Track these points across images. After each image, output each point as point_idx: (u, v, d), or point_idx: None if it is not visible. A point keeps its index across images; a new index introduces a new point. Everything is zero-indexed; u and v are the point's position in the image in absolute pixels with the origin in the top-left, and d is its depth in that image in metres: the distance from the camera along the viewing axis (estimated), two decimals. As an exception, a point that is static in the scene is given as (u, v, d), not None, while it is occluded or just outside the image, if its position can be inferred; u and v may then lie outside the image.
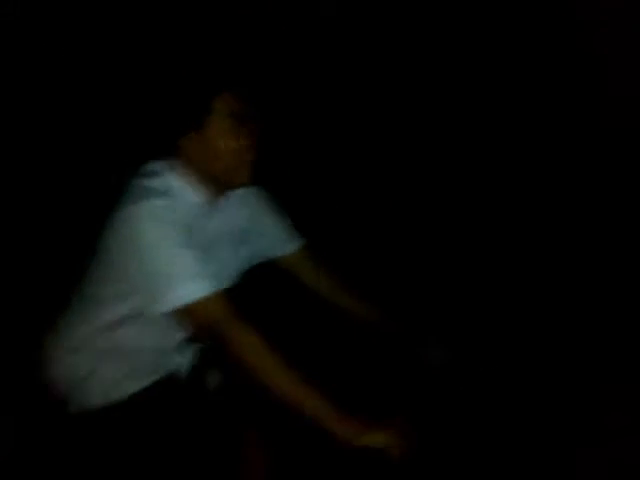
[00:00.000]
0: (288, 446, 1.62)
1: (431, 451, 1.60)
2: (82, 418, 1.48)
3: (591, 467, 1.70)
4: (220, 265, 1.49)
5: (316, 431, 1.31)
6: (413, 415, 1.35)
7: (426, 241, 2.44)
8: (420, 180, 2.50)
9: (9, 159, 2.37)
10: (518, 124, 2.37)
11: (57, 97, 2.42)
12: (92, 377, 1.48)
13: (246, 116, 1.44)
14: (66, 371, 1.50)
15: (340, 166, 2.51)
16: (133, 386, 1.49)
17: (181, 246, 1.35)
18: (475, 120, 2.43)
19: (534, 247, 2.33)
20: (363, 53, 2.48)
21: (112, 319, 1.45)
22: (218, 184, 1.47)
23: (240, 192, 1.56)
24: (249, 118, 1.45)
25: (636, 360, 1.91)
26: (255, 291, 1.69)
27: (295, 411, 1.30)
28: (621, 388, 1.81)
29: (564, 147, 2.32)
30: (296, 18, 2.42)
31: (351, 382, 1.76)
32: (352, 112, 2.51)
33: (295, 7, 2.41)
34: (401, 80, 2.49)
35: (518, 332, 2.15)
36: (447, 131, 2.46)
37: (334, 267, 1.68)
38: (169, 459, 1.45)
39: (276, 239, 1.67)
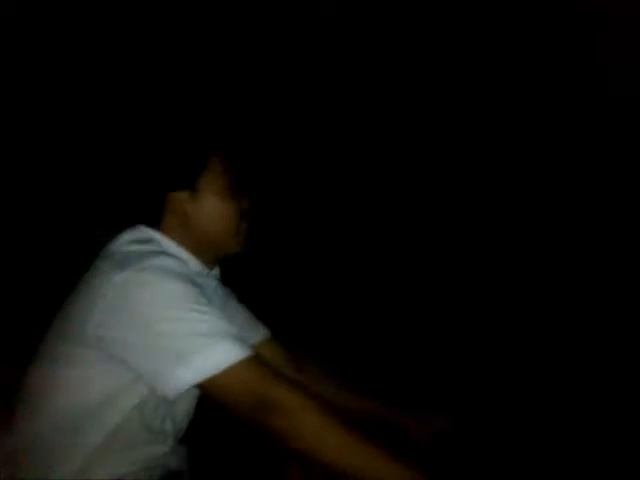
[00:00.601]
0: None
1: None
2: None
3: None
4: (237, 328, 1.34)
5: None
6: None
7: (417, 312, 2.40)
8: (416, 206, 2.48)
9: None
10: (518, 128, 2.35)
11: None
12: None
13: (242, 185, 1.37)
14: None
15: (335, 168, 2.49)
16: None
17: (205, 304, 1.21)
18: (474, 123, 2.41)
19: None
20: (363, 53, 2.44)
21: (98, 406, 1.23)
22: (208, 252, 1.38)
23: (214, 272, 1.47)
24: (245, 188, 1.38)
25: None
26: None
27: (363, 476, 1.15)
28: (626, 452, 1.82)
29: (564, 148, 2.30)
30: (296, 18, 2.37)
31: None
32: (352, 114, 2.48)
33: (295, 7, 2.36)
34: (401, 81, 2.46)
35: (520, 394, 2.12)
36: (447, 135, 2.43)
37: (309, 356, 1.59)
38: None
39: (244, 325, 1.54)
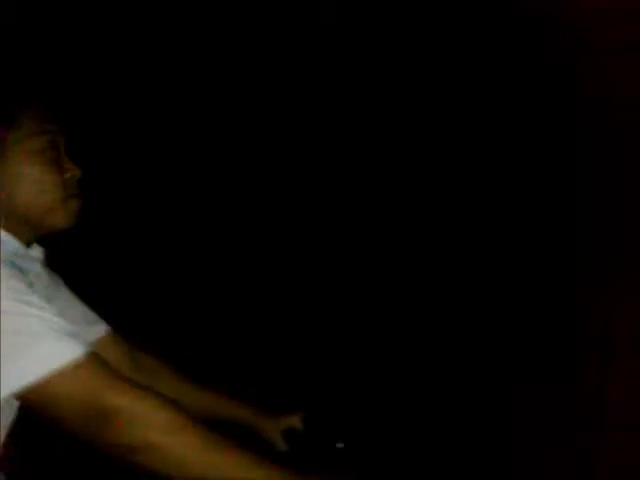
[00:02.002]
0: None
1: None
2: None
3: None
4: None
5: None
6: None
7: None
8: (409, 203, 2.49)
9: None
10: (518, 134, 2.35)
11: None
12: None
13: (55, 136, 1.16)
14: None
15: (335, 168, 2.53)
16: None
17: (25, 293, 1.00)
18: (474, 130, 2.42)
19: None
20: (363, 59, 2.49)
21: None
22: (26, 227, 1.16)
23: (34, 253, 1.22)
24: (58, 138, 1.16)
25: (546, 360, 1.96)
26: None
27: None
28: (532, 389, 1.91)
29: (566, 150, 2.27)
30: (296, 24, 2.45)
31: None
32: (352, 118, 2.52)
33: (295, 13, 2.43)
34: (401, 86, 2.49)
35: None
36: (446, 139, 2.45)
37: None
38: None
39: (77, 319, 1.32)
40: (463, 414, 2.13)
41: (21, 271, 1.06)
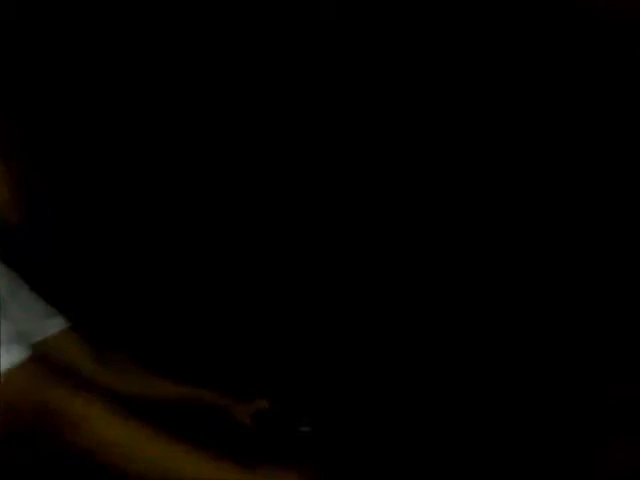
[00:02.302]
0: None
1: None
2: None
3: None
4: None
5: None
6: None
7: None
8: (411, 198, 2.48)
9: None
10: (522, 135, 2.36)
11: None
12: None
13: (14, 144, 1.20)
14: None
15: (335, 170, 2.51)
16: None
17: None
18: (475, 130, 2.42)
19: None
20: (363, 59, 2.48)
21: None
22: None
23: None
24: (21, 149, 1.20)
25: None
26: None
27: None
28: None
29: (569, 150, 2.31)
30: (295, 23, 2.44)
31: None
32: (352, 118, 2.51)
33: (294, 12, 2.42)
34: (402, 87, 2.49)
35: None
36: (448, 140, 2.45)
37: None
38: None
39: (30, 316, 1.36)
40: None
41: None
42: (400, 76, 2.51)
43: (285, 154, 2.51)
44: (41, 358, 1.02)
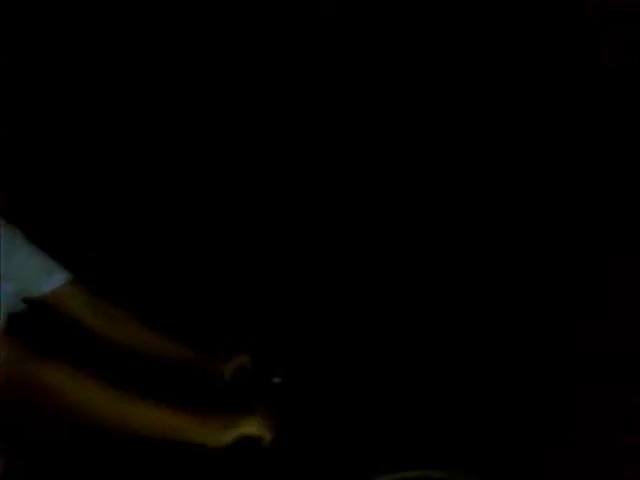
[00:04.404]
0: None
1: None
2: None
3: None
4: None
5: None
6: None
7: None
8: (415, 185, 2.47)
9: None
10: (522, 132, 2.36)
11: None
12: None
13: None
14: None
15: (335, 166, 2.50)
16: None
17: None
18: (476, 124, 2.42)
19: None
20: (363, 54, 2.47)
21: None
22: None
23: None
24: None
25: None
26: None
27: (141, 434, 1.13)
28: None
29: (568, 151, 2.33)
30: (296, 18, 2.43)
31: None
32: (351, 113, 2.50)
33: (295, 7, 2.42)
34: (401, 81, 2.48)
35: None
36: (448, 134, 2.44)
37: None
38: None
39: (33, 272, 1.44)
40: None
41: None
42: (399, 70, 2.50)
43: (284, 149, 2.50)
44: (20, 333, 1.13)
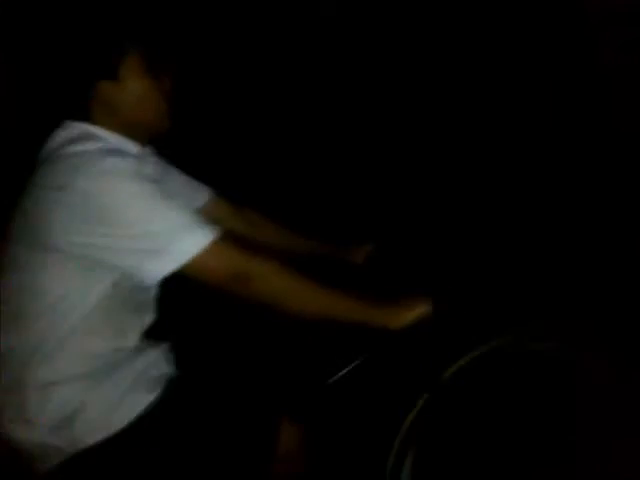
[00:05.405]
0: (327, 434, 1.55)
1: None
2: (77, 461, 1.29)
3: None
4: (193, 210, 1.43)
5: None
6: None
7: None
8: (418, 184, 2.50)
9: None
10: (523, 131, 2.38)
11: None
12: (81, 411, 1.30)
13: (161, 69, 1.42)
14: (39, 418, 1.30)
15: (337, 167, 2.53)
16: (134, 405, 1.34)
17: (165, 198, 1.30)
18: (476, 124, 2.44)
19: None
20: (363, 53, 2.50)
21: (81, 310, 1.29)
22: (141, 133, 1.44)
23: (148, 150, 1.50)
24: (164, 70, 1.42)
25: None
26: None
27: (331, 319, 1.30)
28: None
29: (568, 152, 2.33)
30: (296, 18, 2.45)
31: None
32: (351, 112, 2.53)
33: (295, 7, 2.43)
34: (401, 81, 2.51)
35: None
36: (448, 134, 2.47)
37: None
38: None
39: (188, 191, 1.63)
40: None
41: (147, 169, 1.39)
42: (399, 70, 2.52)
43: (284, 148, 2.52)
44: (225, 234, 1.30)
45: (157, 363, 1.44)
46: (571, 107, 2.33)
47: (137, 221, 1.27)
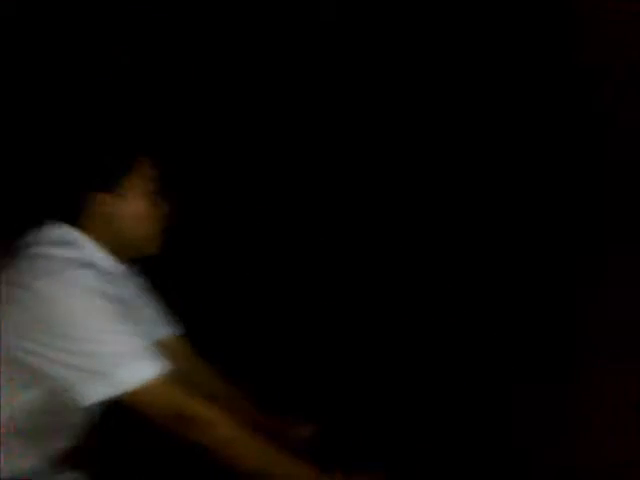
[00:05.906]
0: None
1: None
2: None
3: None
4: (150, 341, 1.39)
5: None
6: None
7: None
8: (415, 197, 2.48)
9: None
10: (519, 134, 2.36)
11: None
12: None
13: (165, 183, 1.43)
14: None
15: (335, 169, 2.50)
16: None
17: (122, 321, 1.28)
18: (475, 132, 2.42)
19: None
20: (363, 58, 2.49)
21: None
22: (127, 251, 1.43)
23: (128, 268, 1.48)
24: (167, 186, 1.44)
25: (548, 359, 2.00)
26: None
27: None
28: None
29: (567, 151, 2.31)
30: (295, 23, 2.44)
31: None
32: (351, 117, 2.51)
33: (294, 12, 2.43)
34: (402, 86, 2.49)
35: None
36: (447, 138, 2.45)
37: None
38: None
39: (154, 321, 1.57)
40: (461, 414, 2.12)
41: (116, 288, 1.35)
42: (398, 75, 2.51)
43: (283, 152, 2.51)
44: (171, 372, 1.28)
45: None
46: (569, 107, 2.31)
47: (85, 339, 1.25)
